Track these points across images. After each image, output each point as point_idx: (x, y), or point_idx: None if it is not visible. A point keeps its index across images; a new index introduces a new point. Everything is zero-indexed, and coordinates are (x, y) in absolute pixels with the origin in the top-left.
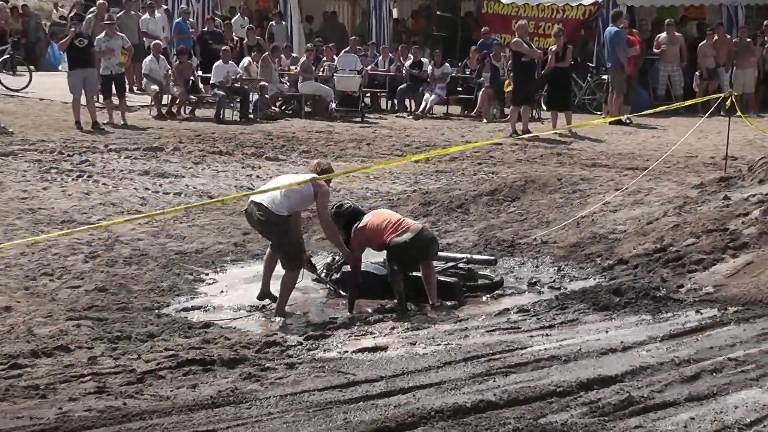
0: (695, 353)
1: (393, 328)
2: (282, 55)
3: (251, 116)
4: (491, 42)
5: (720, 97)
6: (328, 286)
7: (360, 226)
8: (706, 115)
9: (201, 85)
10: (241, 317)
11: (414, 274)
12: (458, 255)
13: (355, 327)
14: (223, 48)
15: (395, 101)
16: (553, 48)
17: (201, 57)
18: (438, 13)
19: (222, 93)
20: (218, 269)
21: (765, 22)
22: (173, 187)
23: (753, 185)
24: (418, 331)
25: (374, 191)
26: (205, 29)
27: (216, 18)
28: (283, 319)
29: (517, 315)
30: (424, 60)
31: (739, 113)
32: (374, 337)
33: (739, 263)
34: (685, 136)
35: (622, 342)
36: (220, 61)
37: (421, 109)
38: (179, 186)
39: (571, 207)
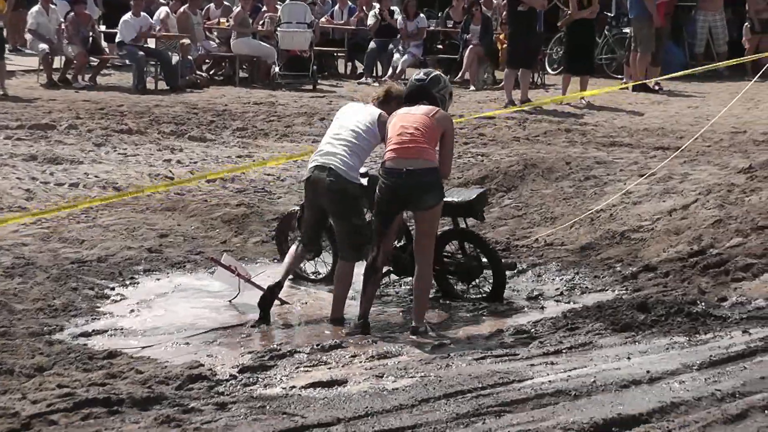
0: (742, 385)
1: (354, 356)
2: (211, 5)
3: (172, 84)
4: None
5: None
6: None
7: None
8: (756, 77)
9: (104, 44)
10: (157, 344)
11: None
12: None
13: (305, 355)
14: None
15: (356, 63)
16: None
17: (104, 7)
18: None
19: (141, 53)
20: (127, 282)
21: None
22: (68, 177)
23: None
24: (386, 359)
25: None
26: None
27: None
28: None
29: (514, 338)
30: (395, 9)
31: None
32: (329, 368)
33: None
34: (729, 105)
35: (648, 372)
36: (130, 13)
37: (389, 73)
38: (76, 175)
39: (584, 199)
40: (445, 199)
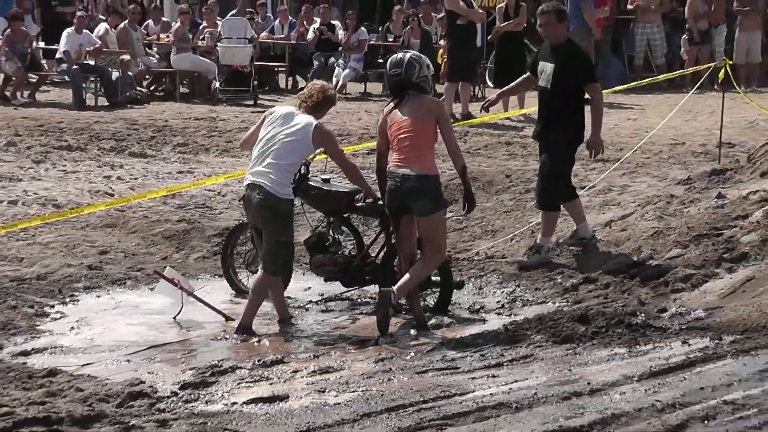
0: (682, 396)
1: (295, 371)
2: (150, 21)
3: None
4: None
5: (711, 66)
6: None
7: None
8: (693, 89)
9: (43, 61)
10: (97, 362)
11: None
12: None
13: (246, 371)
14: (78, 14)
15: (297, 77)
16: (501, 6)
17: (42, 23)
18: None
19: (75, 67)
20: (67, 300)
21: None
22: (7, 194)
23: (753, 179)
24: (328, 374)
25: None
26: None
27: None
28: (242, 337)
29: (455, 351)
30: (336, 23)
31: (735, 87)
32: (271, 384)
33: (737, 279)
34: (668, 117)
35: (589, 383)
36: (72, 28)
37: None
38: (15, 192)
39: (524, 211)
40: None
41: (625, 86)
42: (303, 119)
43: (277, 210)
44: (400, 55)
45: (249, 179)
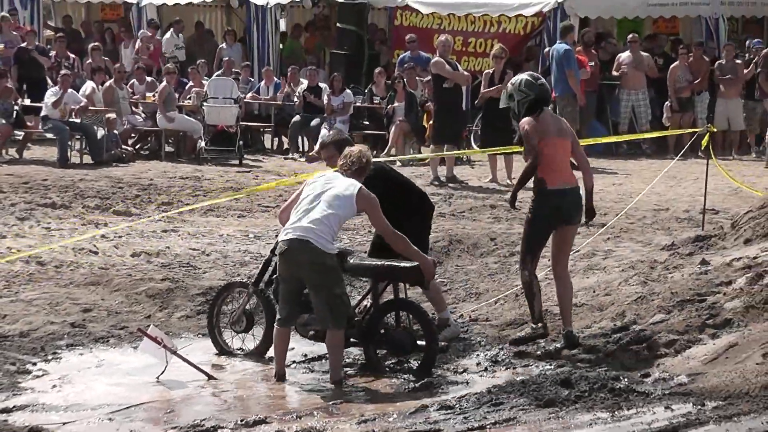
0: None
1: None
2: (135, 80)
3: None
4: (421, 58)
5: (695, 133)
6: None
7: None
8: (678, 156)
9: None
10: (79, 420)
11: None
12: None
13: (229, 431)
14: (62, 72)
15: (282, 138)
16: (489, 72)
17: (19, 81)
18: (339, 25)
19: (65, 127)
20: (49, 357)
21: (749, 41)
22: None
23: (737, 246)
24: None
25: (255, 254)
26: (25, 44)
27: (49, 29)
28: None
29: (439, 413)
30: (323, 86)
31: (720, 155)
32: None
33: (720, 345)
34: (652, 182)
35: None
36: (56, 87)
37: (316, 148)
38: None
39: (508, 275)
40: (392, 263)
41: (610, 139)
42: (346, 181)
43: (329, 264)
44: (522, 76)
45: (292, 234)
